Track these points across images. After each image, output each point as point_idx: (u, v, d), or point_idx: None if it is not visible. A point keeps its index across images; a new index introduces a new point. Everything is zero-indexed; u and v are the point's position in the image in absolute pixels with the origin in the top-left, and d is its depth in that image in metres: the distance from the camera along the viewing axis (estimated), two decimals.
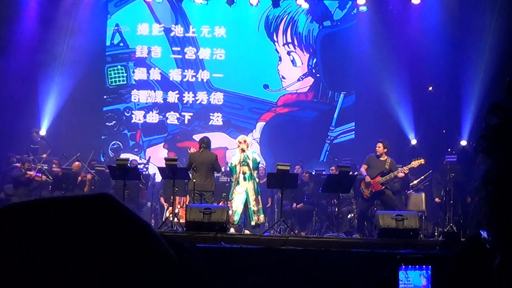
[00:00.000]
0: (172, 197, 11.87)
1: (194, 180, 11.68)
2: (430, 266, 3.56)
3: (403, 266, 3.57)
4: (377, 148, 12.19)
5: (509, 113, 1.02)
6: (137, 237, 0.76)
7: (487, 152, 1.08)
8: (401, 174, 12.31)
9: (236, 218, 11.41)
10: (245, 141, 11.88)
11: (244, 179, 11.65)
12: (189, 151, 12.94)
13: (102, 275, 0.72)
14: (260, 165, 12.46)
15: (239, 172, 11.64)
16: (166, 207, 13.39)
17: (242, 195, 11.57)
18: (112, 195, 0.79)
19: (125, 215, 0.77)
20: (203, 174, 11.77)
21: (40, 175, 13.42)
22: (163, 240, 0.80)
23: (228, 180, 13.28)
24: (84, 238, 0.73)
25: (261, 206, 11.80)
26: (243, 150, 11.71)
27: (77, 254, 0.72)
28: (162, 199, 13.85)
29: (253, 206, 11.56)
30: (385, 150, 12.15)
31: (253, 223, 11.55)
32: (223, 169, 14.63)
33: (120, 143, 16.40)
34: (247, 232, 11.39)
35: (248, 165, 11.68)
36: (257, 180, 11.80)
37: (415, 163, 12.28)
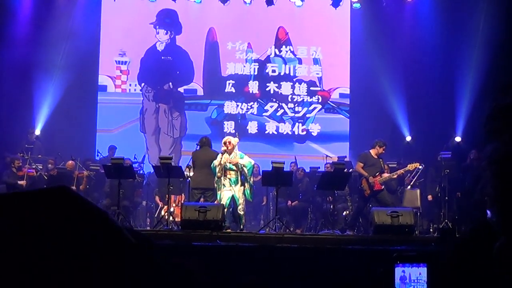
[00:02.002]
0: (167, 195, 11.86)
1: (196, 179, 11.65)
2: (426, 264, 3.57)
3: (399, 264, 3.58)
4: (381, 150, 12.22)
5: None
6: (95, 224, 0.78)
7: (494, 132, 1.08)
8: (395, 176, 12.47)
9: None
10: (230, 142, 11.42)
11: (230, 183, 11.31)
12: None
13: (62, 261, 0.74)
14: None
15: (220, 172, 11.29)
16: (161, 205, 13.39)
17: (226, 198, 11.28)
18: (68, 188, 0.81)
19: (83, 205, 0.78)
20: (204, 172, 11.70)
21: (33, 171, 13.39)
22: (122, 227, 0.82)
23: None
24: (43, 228, 0.74)
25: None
26: (225, 152, 11.34)
27: (37, 243, 0.73)
28: (157, 198, 13.86)
29: (240, 209, 11.33)
30: None
31: (241, 226, 11.42)
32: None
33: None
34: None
35: (235, 169, 11.35)
36: (248, 184, 11.41)
37: (411, 167, 12.38)
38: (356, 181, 13.06)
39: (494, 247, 1.07)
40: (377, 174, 12.03)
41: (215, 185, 11.48)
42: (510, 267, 1.04)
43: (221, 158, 11.31)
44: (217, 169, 11.30)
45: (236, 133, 12.90)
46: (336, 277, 8.26)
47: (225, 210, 11.09)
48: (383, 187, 12.10)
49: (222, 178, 11.35)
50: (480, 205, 11.78)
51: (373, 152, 12.26)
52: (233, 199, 11.29)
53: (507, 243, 1.03)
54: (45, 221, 0.77)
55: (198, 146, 12.19)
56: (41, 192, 0.80)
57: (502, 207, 1.06)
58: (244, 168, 11.33)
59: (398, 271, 3.61)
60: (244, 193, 11.40)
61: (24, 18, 16.05)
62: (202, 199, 11.73)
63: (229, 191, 11.31)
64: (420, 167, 12.76)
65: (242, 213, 11.37)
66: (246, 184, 11.39)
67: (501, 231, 1.05)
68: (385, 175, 12.14)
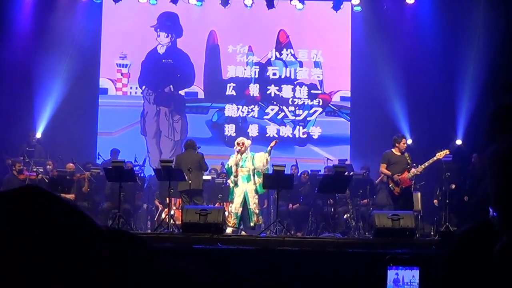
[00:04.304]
0: (168, 198, 11.88)
1: (182, 182, 11.82)
2: (418, 267, 3.58)
3: (393, 266, 3.58)
4: (402, 144, 11.89)
5: None
6: (67, 220, 0.78)
7: (496, 132, 1.07)
8: (424, 167, 11.85)
9: (236, 221, 11.44)
10: (243, 143, 11.83)
11: (242, 180, 11.66)
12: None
13: (36, 259, 0.74)
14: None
15: (235, 173, 11.66)
16: (161, 208, 13.40)
17: (240, 197, 11.58)
18: (38, 187, 0.81)
19: (53, 203, 0.79)
20: (192, 173, 11.86)
21: (34, 174, 13.37)
22: (95, 221, 0.82)
23: (224, 182, 13.37)
24: (15, 228, 0.75)
25: (259, 207, 11.86)
26: (239, 152, 11.73)
27: (8, 242, 0.74)
28: (156, 201, 13.85)
29: (253, 207, 11.57)
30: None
31: (252, 224, 11.57)
32: (219, 169, 14.68)
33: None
34: (243, 233, 11.42)
35: (247, 167, 11.69)
36: (257, 181, 11.75)
37: (439, 155, 11.90)
38: (357, 184, 13.08)
39: (495, 247, 1.07)
40: (404, 170, 11.66)
41: (230, 184, 11.69)
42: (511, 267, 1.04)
43: (235, 158, 11.71)
44: (233, 169, 11.68)
45: (250, 137, 12.96)
46: (336, 280, 8.25)
47: (240, 208, 11.48)
48: (412, 182, 11.79)
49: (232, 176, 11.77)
50: (481, 207, 11.78)
51: (395, 150, 11.93)
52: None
53: (509, 243, 1.03)
54: (16, 220, 0.77)
55: (184, 149, 12.47)
56: (6, 193, 0.80)
57: (504, 207, 1.06)
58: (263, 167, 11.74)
59: (391, 273, 3.61)
60: (255, 191, 11.70)
61: (25, 21, 16.05)
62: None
63: (242, 188, 11.64)
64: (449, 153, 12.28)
65: (255, 209, 11.61)
66: (257, 178, 11.72)
67: (504, 230, 1.05)
68: (413, 170, 11.73)
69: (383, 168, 11.89)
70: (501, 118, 1.10)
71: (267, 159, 11.76)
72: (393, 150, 11.97)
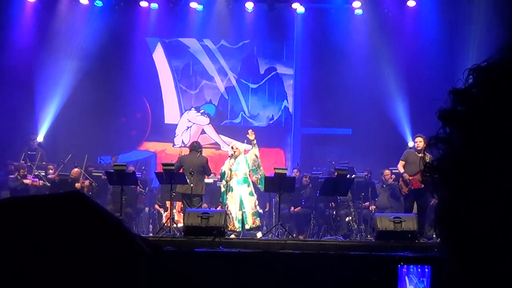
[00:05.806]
0: (169, 202, 11.86)
1: (184, 185, 11.83)
2: (430, 266, 3.58)
3: (404, 265, 3.58)
4: (417, 143, 11.69)
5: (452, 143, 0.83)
6: (108, 233, 0.77)
7: (437, 185, 0.86)
8: None
9: (238, 224, 11.49)
10: (237, 148, 12.03)
11: (237, 183, 11.73)
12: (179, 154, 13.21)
13: (75, 270, 0.73)
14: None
15: (228, 177, 11.74)
16: (162, 211, 13.39)
17: (237, 200, 11.59)
18: (82, 194, 0.80)
19: (97, 213, 0.78)
20: (194, 178, 11.84)
21: (37, 180, 13.38)
22: (136, 236, 0.81)
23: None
24: (55, 237, 0.73)
25: (256, 209, 11.89)
26: (232, 157, 11.85)
27: (49, 251, 0.73)
28: (156, 205, 13.83)
29: (248, 209, 11.62)
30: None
31: (247, 226, 11.60)
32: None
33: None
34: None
35: (241, 170, 11.77)
36: (255, 178, 11.87)
37: None
38: (359, 187, 13.06)
39: None
40: (418, 172, 10.99)
41: (222, 188, 11.73)
42: None
43: (229, 163, 11.81)
44: (226, 174, 11.75)
45: (245, 141, 12.89)
46: (338, 283, 8.25)
47: (240, 212, 11.55)
48: (423, 185, 11.38)
49: (225, 180, 11.85)
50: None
51: (416, 149, 11.72)
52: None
53: None
54: (55, 228, 0.76)
55: (189, 151, 12.45)
56: (52, 197, 0.79)
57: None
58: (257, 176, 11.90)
59: (403, 272, 3.61)
60: (250, 193, 11.79)
61: (27, 25, 16.09)
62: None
63: (237, 192, 11.71)
64: None
65: (249, 211, 11.66)
66: (255, 175, 11.85)
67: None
68: None
69: (400, 165, 11.68)
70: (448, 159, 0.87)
71: (256, 154, 11.83)
72: (415, 150, 11.81)
